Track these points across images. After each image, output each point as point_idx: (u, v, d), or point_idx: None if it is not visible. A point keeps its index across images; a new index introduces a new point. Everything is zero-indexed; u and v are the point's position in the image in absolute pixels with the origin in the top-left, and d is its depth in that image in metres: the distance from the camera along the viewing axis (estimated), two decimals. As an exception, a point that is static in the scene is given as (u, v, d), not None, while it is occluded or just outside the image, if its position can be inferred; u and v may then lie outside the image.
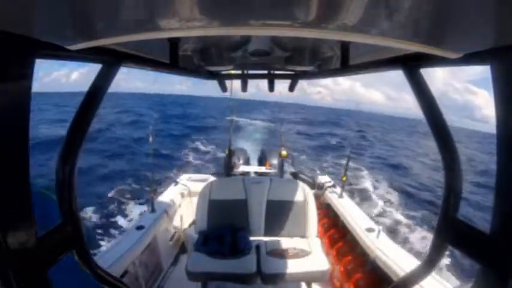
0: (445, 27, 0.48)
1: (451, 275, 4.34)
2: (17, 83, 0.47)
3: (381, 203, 8.18)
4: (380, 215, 7.30)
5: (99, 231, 5.51)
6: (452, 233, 0.68)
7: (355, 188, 8.79)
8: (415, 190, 10.09)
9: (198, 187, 2.92)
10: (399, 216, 7.29)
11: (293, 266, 2.11)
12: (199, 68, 1.41)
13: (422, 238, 6.11)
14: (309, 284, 2.27)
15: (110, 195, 7.45)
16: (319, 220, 2.78)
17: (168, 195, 3.25)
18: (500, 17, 0.40)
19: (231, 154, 3.86)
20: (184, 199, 3.38)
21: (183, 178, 3.79)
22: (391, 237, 2.50)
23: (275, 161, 4.19)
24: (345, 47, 0.91)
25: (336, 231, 2.98)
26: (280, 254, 2.24)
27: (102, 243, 4.79)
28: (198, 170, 9.32)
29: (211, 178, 3.64)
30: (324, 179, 3.69)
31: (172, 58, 0.88)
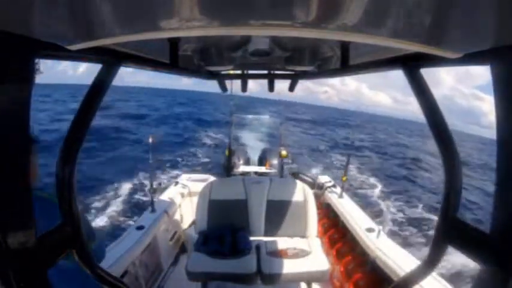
0: (445, 27, 0.48)
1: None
2: (17, 83, 0.47)
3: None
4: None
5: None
6: (452, 233, 0.68)
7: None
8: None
9: (198, 187, 2.92)
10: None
11: (293, 266, 2.11)
12: (199, 68, 1.41)
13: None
14: (309, 284, 2.28)
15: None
16: (319, 220, 2.79)
17: (168, 195, 3.25)
18: (500, 17, 0.40)
19: (231, 154, 3.86)
20: (184, 199, 3.38)
21: (183, 178, 3.79)
22: (391, 236, 2.51)
23: (275, 161, 4.19)
24: (345, 47, 0.91)
25: (336, 231, 2.98)
26: (280, 254, 2.24)
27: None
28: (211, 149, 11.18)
29: (211, 178, 3.64)
30: (324, 179, 3.69)
31: (172, 58, 0.88)
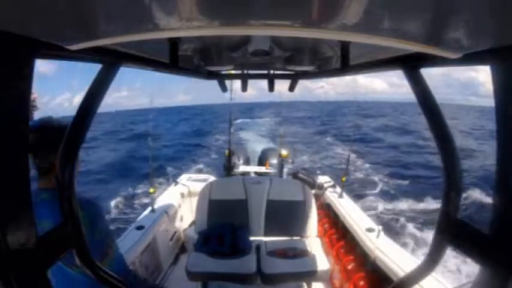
0: (445, 27, 0.48)
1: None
2: (17, 83, 0.47)
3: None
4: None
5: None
6: (452, 233, 0.68)
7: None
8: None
9: (198, 187, 2.92)
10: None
11: (293, 266, 2.11)
12: (199, 68, 1.41)
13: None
14: (309, 284, 2.27)
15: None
16: (319, 220, 2.79)
17: (168, 195, 3.25)
18: (500, 17, 0.40)
19: (231, 154, 3.86)
20: (184, 199, 3.38)
21: (183, 178, 3.79)
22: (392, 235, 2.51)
23: (275, 161, 4.19)
24: (345, 47, 0.91)
25: (336, 231, 2.98)
26: (280, 254, 2.24)
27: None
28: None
29: (211, 178, 3.64)
30: (324, 179, 3.69)
31: (172, 58, 0.88)
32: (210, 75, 1.74)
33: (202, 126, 28.36)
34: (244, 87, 2.15)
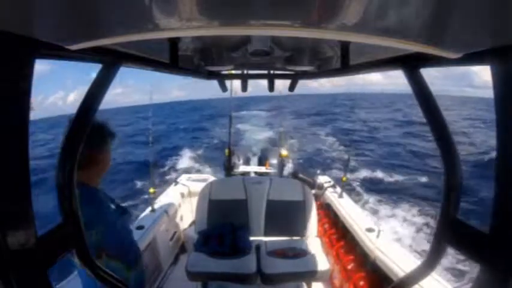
0: (445, 27, 0.48)
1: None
2: (17, 83, 0.47)
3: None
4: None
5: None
6: (452, 233, 0.68)
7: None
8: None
9: (198, 187, 2.92)
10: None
11: (293, 266, 2.11)
12: (199, 68, 1.41)
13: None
14: (309, 284, 2.27)
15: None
16: (319, 220, 2.79)
17: (168, 195, 3.25)
18: (500, 17, 0.40)
19: (230, 154, 3.86)
20: (184, 199, 3.38)
21: (183, 178, 3.79)
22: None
23: (275, 161, 4.19)
24: (345, 47, 0.91)
25: (336, 231, 2.98)
26: (280, 254, 2.24)
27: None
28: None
29: (211, 178, 3.64)
30: (324, 179, 3.69)
31: (172, 58, 0.88)
32: (210, 75, 1.74)
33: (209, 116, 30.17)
34: (244, 87, 2.15)
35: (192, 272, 2.07)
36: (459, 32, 0.49)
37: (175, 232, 3.04)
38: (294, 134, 15.52)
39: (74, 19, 0.47)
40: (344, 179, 3.27)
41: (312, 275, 2.11)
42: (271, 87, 2.00)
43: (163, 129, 22.22)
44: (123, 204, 1.31)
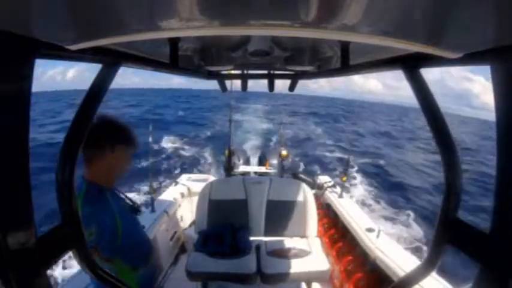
0: (445, 27, 0.48)
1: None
2: (17, 83, 0.47)
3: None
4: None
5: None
6: (452, 233, 0.68)
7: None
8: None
9: (198, 187, 2.92)
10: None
11: (293, 266, 2.11)
12: (199, 68, 1.41)
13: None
14: (309, 284, 2.28)
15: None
16: (319, 220, 2.79)
17: (168, 195, 3.25)
18: (500, 16, 0.40)
19: (231, 154, 3.86)
20: (184, 199, 3.38)
21: (183, 178, 3.79)
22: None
23: (275, 161, 4.19)
24: (345, 47, 0.91)
25: (336, 231, 2.98)
26: (281, 254, 2.24)
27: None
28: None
29: (211, 178, 3.64)
30: (324, 179, 3.69)
31: (172, 58, 0.88)
32: (210, 75, 1.74)
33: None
34: (244, 87, 2.16)
35: (192, 272, 2.07)
36: (459, 32, 0.49)
37: (175, 232, 3.04)
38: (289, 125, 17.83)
39: (74, 19, 0.47)
40: (344, 179, 3.27)
41: (312, 275, 2.12)
42: (271, 87, 2.00)
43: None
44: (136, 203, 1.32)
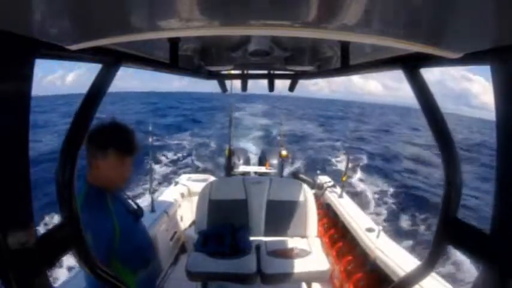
0: (445, 27, 0.48)
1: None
2: (17, 83, 0.47)
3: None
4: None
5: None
6: (452, 233, 0.68)
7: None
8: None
9: (198, 187, 2.92)
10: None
11: (293, 266, 2.11)
12: (199, 68, 1.41)
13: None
14: (309, 284, 2.28)
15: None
16: (319, 220, 2.79)
17: (168, 195, 3.25)
18: (500, 16, 0.40)
19: (231, 154, 3.86)
20: (184, 199, 3.38)
21: (183, 178, 3.79)
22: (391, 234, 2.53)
23: (275, 161, 4.19)
24: (345, 47, 0.91)
25: (336, 231, 2.98)
26: (281, 254, 2.25)
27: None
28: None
29: (211, 178, 3.64)
30: (324, 179, 3.69)
31: (172, 58, 0.88)
32: (210, 75, 1.74)
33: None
34: (244, 87, 2.16)
35: (192, 272, 2.07)
36: (459, 32, 0.49)
37: (175, 232, 3.04)
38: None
39: (74, 19, 0.47)
40: (344, 179, 3.27)
41: (312, 275, 2.12)
42: (271, 87, 2.00)
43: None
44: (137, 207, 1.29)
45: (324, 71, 1.45)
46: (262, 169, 3.98)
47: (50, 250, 0.59)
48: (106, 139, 1.13)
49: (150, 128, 3.01)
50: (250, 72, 1.88)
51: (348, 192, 3.34)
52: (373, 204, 7.62)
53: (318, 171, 4.06)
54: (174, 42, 0.86)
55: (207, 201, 2.56)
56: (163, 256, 2.72)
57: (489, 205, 0.54)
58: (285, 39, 1.01)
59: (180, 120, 23.52)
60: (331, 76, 1.43)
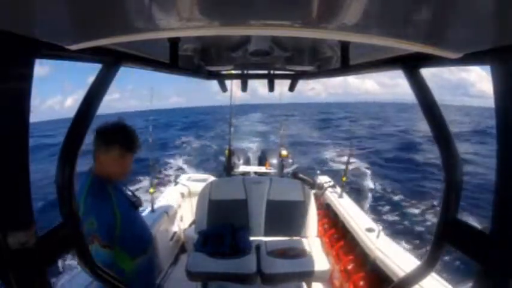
0: (445, 27, 0.48)
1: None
2: (17, 83, 0.47)
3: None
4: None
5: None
6: (452, 233, 0.68)
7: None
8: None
9: (198, 187, 2.92)
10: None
11: (293, 266, 2.11)
12: (199, 68, 1.41)
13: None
14: (308, 284, 2.27)
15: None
16: (319, 220, 2.78)
17: (168, 195, 3.25)
18: (500, 17, 0.40)
19: (231, 154, 3.86)
20: (184, 199, 3.38)
21: (183, 178, 3.79)
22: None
23: (275, 161, 4.19)
24: (345, 47, 0.91)
25: (336, 231, 2.98)
26: (280, 254, 2.24)
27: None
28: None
29: (211, 178, 3.64)
30: (324, 179, 3.69)
31: (172, 58, 0.88)
32: (210, 75, 1.73)
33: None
34: (244, 88, 2.15)
35: (192, 272, 2.07)
36: (459, 32, 0.49)
37: (175, 232, 3.04)
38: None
39: (74, 19, 0.47)
40: (344, 179, 3.27)
41: (312, 275, 2.11)
42: (271, 87, 2.00)
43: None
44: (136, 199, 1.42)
45: (324, 71, 1.45)
46: (262, 169, 3.98)
47: (50, 250, 0.59)
48: (112, 136, 1.26)
49: (151, 129, 3.01)
50: (250, 72, 1.88)
51: (348, 192, 3.34)
52: (373, 205, 7.60)
53: (318, 171, 4.05)
54: (174, 42, 0.86)
55: (207, 201, 2.55)
56: (163, 256, 2.71)
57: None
58: (285, 39, 1.01)
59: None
60: (331, 76, 1.43)
